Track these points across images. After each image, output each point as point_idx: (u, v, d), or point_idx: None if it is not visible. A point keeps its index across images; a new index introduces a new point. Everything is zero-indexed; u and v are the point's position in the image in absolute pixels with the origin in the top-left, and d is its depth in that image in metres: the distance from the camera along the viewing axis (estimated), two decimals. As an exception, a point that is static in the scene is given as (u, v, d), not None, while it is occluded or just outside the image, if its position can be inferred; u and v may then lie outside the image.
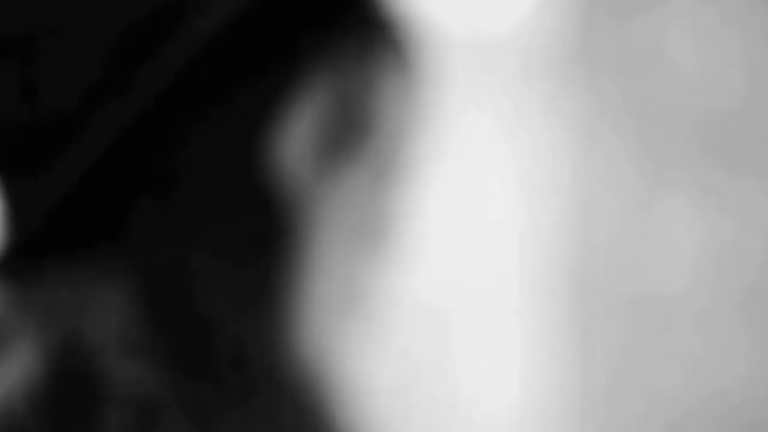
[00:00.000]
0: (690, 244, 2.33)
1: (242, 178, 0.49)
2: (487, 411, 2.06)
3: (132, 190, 0.49)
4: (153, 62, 0.48)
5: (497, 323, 2.14)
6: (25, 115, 0.49)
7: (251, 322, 0.48)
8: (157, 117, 0.49)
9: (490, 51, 2.03)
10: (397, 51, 0.52)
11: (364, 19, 0.50)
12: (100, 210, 0.49)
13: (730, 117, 2.28)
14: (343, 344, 0.52)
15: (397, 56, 0.52)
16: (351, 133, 0.50)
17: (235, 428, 0.47)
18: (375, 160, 0.51)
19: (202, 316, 0.48)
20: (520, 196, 2.10)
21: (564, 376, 2.16)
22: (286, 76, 0.49)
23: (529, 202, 2.07)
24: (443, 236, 1.96)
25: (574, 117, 2.13)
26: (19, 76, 0.49)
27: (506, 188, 2.10)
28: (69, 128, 0.48)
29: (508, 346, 2.14)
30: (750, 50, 2.28)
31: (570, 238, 2.14)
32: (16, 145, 0.50)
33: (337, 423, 0.49)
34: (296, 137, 0.49)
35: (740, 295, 2.41)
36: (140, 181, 0.49)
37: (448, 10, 1.84)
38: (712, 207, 2.35)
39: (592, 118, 2.13)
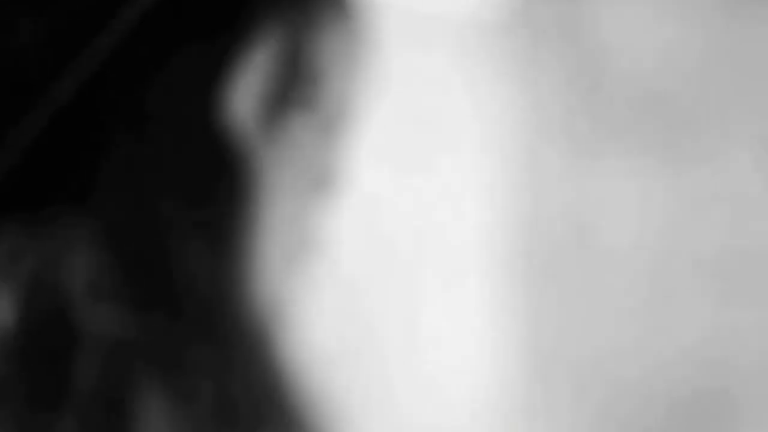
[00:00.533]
0: (636, 202, 2.37)
1: (198, 130, 0.51)
2: (435, 361, 2.07)
3: (95, 143, 0.51)
4: (108, 21, 0.50)
5: (439, 274, 2.15)
6: None
7: (211, 265, 0.50)
8: (115, 73, 0.50)
9: (431, 20, 2.06)
10: (342, 6, 0.55)
11: None
12: (63, 162, 0.51)
13: (667, 86, 2.32)
14: (294, 285, 0.55)
15: (344, 12, 0.54)
16: (298, 82, 0.53)
17: (195, 366, 0.49)
18: (322, 109, 0.54)
19: (165, 260, 0.50)
20: (463, 151, 2.12)
21: (512, 334, 2.17)
22: (237, 30, 0.51)
23: (472, 158, 2.09)
24: (383, 186, 1.97)
25: (514, 84, 2.16)
26: None
27: (450, 143, 2.12)
28: (23, 85, 0.51)
29: (451, 298, 2.15)
30: (704, 26, 2.31)
31: (513, 196, 2.17)
32: None
33: (287, 363, 0.52)
34: (247, 88, 0.51)
35: (690, 254, 2.44)
36: (102, 135, 0.50)
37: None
38: (653, 167, 2.38)
39: (532, 85, 2.16)
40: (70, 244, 0.50)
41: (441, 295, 2.13)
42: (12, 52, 0.50)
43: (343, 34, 0.55)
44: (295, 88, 0.53)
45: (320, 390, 0.53)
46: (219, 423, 0.49)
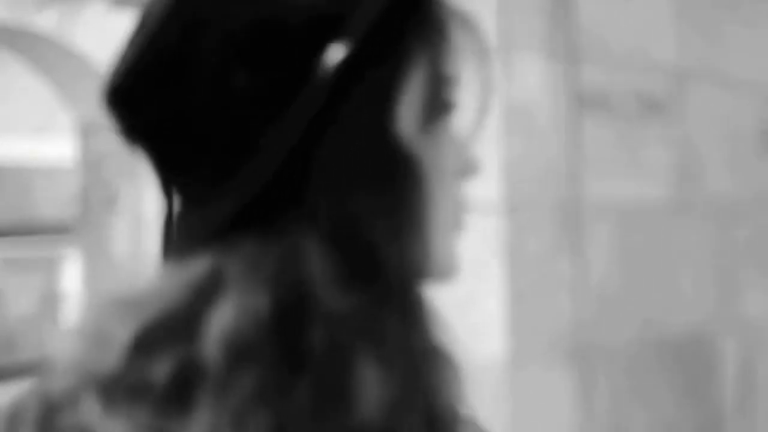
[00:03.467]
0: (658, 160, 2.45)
1: (377, 136, 0.61)
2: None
3: (304, 167, 0.61)
4: (305, 79, 0.60)
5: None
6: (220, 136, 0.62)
7: (399, 247, 0.61)
8: (318, 112, 0.60)
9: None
10: (472, 29, 0.67)
11: (444, 13, 0.65)
12: (286, 187, 0.61)
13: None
14: (455, 257, 0.67)
15: (472, 33, 0.67)
16: (444, 94, 0.65)
17: (390, 334, 0.60)
18: (461, 114, 0.67)
19: (368, 248, 0.60)
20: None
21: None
22: (398, 59, 0.62)
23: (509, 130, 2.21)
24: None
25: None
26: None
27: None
28: (248, 142, 0.61)
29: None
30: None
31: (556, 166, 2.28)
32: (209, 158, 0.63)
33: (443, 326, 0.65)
34: (409, 102, 0.63)
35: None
36: (309, 159, 0.61)
37: None
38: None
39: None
40: (299, 245, 0.61)
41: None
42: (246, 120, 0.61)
43: (473, 52, 0.67)
44: (442, 99, 0.65)
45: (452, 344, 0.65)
46: (408, 381, 0.60)
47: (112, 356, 0.61)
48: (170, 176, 0.65)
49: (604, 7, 2.37)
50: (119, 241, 8.35)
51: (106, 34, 7.73)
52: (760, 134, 2.85)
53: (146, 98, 0.62)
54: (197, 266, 0.62)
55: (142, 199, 8.22)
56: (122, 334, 0.61)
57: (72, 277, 10.88)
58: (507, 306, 2.11)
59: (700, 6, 2.66)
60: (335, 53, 0.60)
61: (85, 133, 8.60)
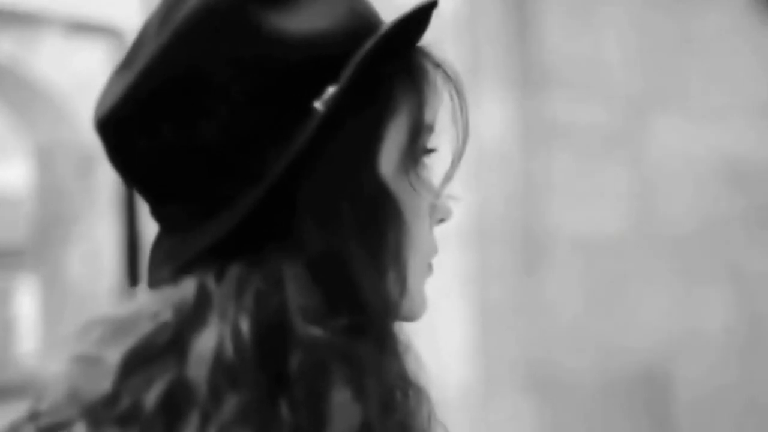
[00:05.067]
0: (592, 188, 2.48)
1: (360, 176, 0.63)
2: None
3: (292, 200, 0.63)
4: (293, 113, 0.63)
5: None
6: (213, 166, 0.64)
7: (377, 281, 0.63)
8: (304, 152, 0.62)
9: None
10: (451, 76, 0.69)
11: (428, 64, 0.67)
12: (273, 217, 0.63)
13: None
14: (425, 298, 0.69)
15: (451, 79, 0.68)
16: (423, 137, 0.67)
17: (363, 360, 0.62)
18: (437, 156, 0.67)
19: (347, 278, 0.62)
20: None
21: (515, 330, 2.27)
22: (382, 102, 0.65)
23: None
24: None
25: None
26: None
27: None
28: (245, 173, 0.63)
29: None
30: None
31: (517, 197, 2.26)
32: (209, 190, 0.64)
33: (414, 354, 0.66)
34: (391, 144, 0.65)
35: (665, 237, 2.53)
36: (297, 191, 0.63)
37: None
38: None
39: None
40: (281, 273, 0.62)
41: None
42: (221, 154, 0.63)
43: (452, 100, 0.69)
44: (421, 144, 0.67)
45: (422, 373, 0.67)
46: (382, 406, 0.61)
47: (103, 380, 0.61)
48: (153, 203, 0.66)
49: (566, 40, 2.38)
50: (75, 268, 8.33)
51: (63, 60, 7.73)
52: (719, 164, 2.87)
53: (141, 129, 0.63)
54: (185, 288, 0.63)
55: (98, 225, 8.21)
56: (112, 356, 0.62)
57: (26, 303, 10.84)
58: (472, 335, 2.10)
59: (662, 38, 2.68)
60: (328, 93, 0.62)
61: (41, 158, 8.61)
